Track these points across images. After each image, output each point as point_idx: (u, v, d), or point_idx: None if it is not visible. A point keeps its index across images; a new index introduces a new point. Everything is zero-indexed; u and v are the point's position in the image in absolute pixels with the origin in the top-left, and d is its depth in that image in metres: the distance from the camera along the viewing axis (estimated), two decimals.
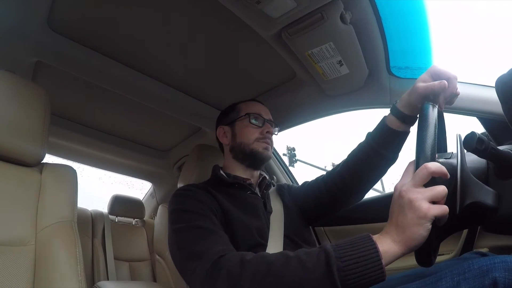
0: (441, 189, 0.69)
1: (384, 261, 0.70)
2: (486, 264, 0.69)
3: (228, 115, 1.49)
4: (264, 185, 1.41)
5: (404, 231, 0.70)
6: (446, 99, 0.96)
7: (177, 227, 1.07)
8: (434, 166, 0.70)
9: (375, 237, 0.74)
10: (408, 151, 1.15)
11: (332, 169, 1.36)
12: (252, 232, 1.16)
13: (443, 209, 0.68)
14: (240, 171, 1.39)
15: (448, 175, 0.71)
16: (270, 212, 1.30)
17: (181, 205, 1.13)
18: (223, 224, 1.13)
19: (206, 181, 1.38)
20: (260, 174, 1.47)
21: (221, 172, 1.37)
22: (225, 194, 1.24)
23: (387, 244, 0.71)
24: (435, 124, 0.79)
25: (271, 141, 1.42)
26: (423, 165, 0.71)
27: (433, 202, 0.69)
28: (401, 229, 0.71)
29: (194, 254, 0.92)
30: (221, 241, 0.97)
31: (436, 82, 0.93)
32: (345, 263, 0.71)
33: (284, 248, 1.14)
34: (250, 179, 1.39)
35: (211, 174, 1.43)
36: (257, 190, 1.38)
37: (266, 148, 1.38)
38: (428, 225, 0.67)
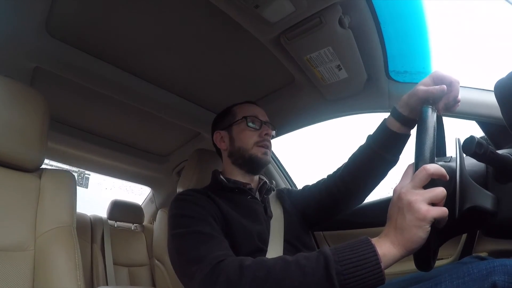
0: (440, 191, 0.69)
1: (383, 264, 0.70)
2: (486, 268, 0.69)
3: (223, 119, 1.48)
4: (264, 190, 1.40)
5: (403, 233, 0.70)
6: (450, 103, 0.96)
7: (176, 232, 1.06)
8: (433, 167, 0.70)
9: (374, 240, 0.74)
10: (408, 154, 1.16)
11: (333, 172, 1.35)
12: (252, 237, 1.15)
13: (442, 211, 0.68)
14: (239, 176, 1.39)
15: (447, 177, 0.71)
16: (271, 217, 1.30)
17: (181, 210, 1.13)
18: (224, 229, 1.12)
19: (206, 186, 1.38)
20: (260, 178, 1.47)
21: (221, 177, 1.36)
22: (225, 199, 1.24)
23: (386, 247, 0.72)
24: (434, 127, 0.79)
25: (270, 143, 1.41)
26: (422, 167, 0.72)
27: (433, 204, 0.69)
28: (400, 231, 0.71)
29: (193, 259, 0.92)
30: (220, 246, 0.97)
31: (436, 86, 0.93)
32: (344, 266, 0.71)
33: (284, 253, 1.14)
34: (250, 184, 1.38)
35: (211, 179, 1.42)
36: (257, 195, 1.37)
37: (265, 153, 1.36)
38: (427, 227, 0.68)
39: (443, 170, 0.71)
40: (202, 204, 1.15)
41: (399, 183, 0.77)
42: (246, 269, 0.81)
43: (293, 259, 0.80)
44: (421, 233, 0.68)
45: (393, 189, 0.77)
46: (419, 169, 0.72)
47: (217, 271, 0.84)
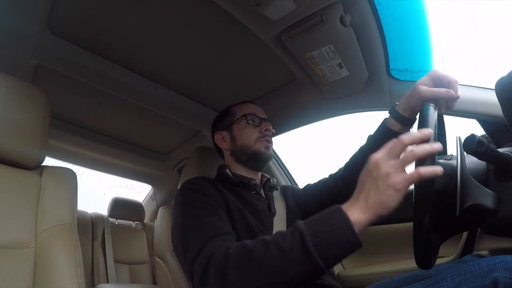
0: (409, 153, 0.73)
1: (356, 229, 0.73)
2: (487, 265, 0.69)
3: (223, 120, 1.49)
4: (268, 186, 1.41)
5: (375, 201, 0.74)
6: (448, 103, 0.96)
7: (183, 222, 1.08)
8: (406, 137, 0.74)
9: (345, 207, 0.77)
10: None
11: (334, 172, 1.36)
12: (255, 232, 1.16)
13: (413, 177, 0.71)
14: (243, 173, 1.39)
15: (428, 135, 0.74)
16: (274, 214, 1.30)
17: (190, 200, 1.14)
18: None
19: (212, 179, 1.38)
20: (263, 175, 1.47)
21: (227, 171, 1.37)
22: (230, 192, 1.25)
23: (356, 214, 0.75)
24: (435, 125, 0.79)
25: (271, 139, 1.42)
26: (397, 139, 0.75)
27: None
28: (372, 199, 0.74)
29: (196, 252, 0.94)
30: (221, 238, 0.98)
31: (442, 90, 0.93)
32: (319, 237, 0.74)
33: None
34: (255, 180, 1.39)
35: (216, 173, 1.43)
36: (261, 191, 1.38)
37: (268, 148, 1.38)
38: (400, 196, 0.72)
39: (418, 135, 0.74)
40: (210, 194, 1.16)
41: (377, 153, 0.78)
42: (231, 257, 0.84)
43: (272, 238, 0.83)
44: (393, 202, 0.72)
45: (370, 157, 0.79)
46: (394, 141, 0.76)
47: (209, 263, 0.87)
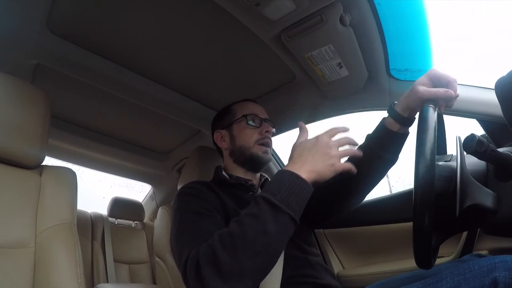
0: (346, 140, 1.02)
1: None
2: (487, 264, 0.69)
3: (223, 119, 1.48)
4: None
5: (319, 169, 0.94)
6: (447, 102, 0.95)
7: (179, 227, 1.08)
8: (345, 139, 1.02)
9: (292, 169, 0.93)
10: (407, 154, 1.15)
11: None
12: None
13: (345, 153, 1.01)
14: (241, 174, 1.39)
15: (353, 141, 1.03)
16: None
17: (186, 205, 1.14)
18: (226, 223, 1.12)
19: (210, 180, 1.38)
20: (261, 175, 1.47)
21: (223, 173, 1.37)
22: (228, 194, 1.24)
23: (304, 174, 0.92)
24: (435, 127, 0.79)
25: (271, 141, 1.41)
26: (344, 138, 1.02)
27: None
28: (319, 165, 0.95)
29: (187, 255, 0.93)
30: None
31: (441, 90, 0.93)
32: (279, 194, 0.88)
33: (286, 251, 1.14)
34: (252, 180, 1.38)
35: (213, 174, 1.42)
36: (259, 192, 1.37)
37: (266, 152, 1.37)
38: (334, 172, 0.96)
39: (351, 139, 1.03)
40: (206, 198, 1.16)
41: (324, 135, 1.01)
42: (214, 245, 0.86)
43: (241, 214, 0.91)
44: (331, 174, 0.95)
45: (320, 137, 1.01)
46: (341, 138, 1.02)
47: (198, 261, 0.87)
